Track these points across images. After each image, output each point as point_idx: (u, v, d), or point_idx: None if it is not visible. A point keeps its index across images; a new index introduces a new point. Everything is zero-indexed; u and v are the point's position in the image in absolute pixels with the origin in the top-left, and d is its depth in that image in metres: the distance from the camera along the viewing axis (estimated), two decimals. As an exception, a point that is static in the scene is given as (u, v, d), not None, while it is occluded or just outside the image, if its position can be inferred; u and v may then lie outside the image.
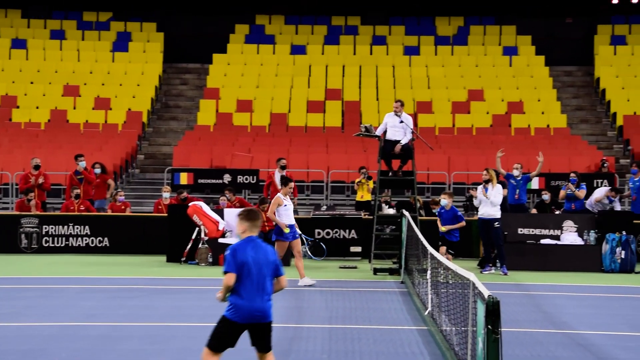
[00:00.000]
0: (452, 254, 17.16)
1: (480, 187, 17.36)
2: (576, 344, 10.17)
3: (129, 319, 11.55)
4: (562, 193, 20.28)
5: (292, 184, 15.47)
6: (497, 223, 16.98)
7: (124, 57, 33.23)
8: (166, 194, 21.14)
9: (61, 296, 13.64)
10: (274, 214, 14.83)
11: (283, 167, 21.38)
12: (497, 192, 16.96)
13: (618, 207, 20.19)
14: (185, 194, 20.94)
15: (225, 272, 6.93)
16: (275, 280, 7.13)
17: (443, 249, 17.02)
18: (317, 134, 29.44)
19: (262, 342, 7.01)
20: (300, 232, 16.42)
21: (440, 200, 17.83)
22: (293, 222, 15.04)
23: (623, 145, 29.28)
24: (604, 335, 10.77)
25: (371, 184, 22.38)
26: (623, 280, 16.75)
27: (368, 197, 22.23)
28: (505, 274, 16.76)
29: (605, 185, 24.03)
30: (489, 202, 16.93)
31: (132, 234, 20.51)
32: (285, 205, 14.86)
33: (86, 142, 27.71)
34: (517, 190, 19.54)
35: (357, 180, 22.42)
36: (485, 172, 17.26)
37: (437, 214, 17.88)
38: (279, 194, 15.06)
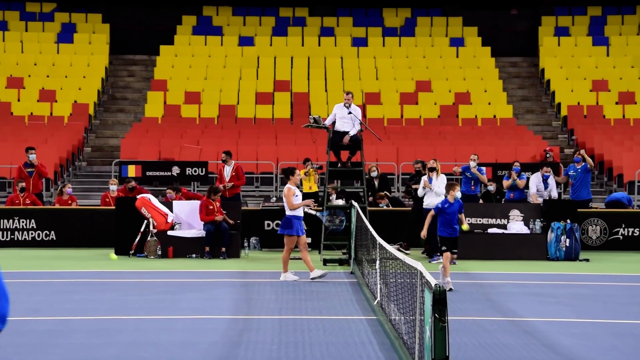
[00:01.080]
0: (456, 253, 13.89)
1: (424, 178, 17.56)
2: (522, 331, 10.33)
3: (75, 312, 11.41)
4: (505, 183, 20.56)
5: (298, 172, 14.79)
6: None
7: (69, 49, 32.75)
8: (113, 187, 20.92)
9: (6, 291, 13.40)
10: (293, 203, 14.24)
11: (225, 161, 21.05)
12: (440, 183, 17.16)
13: (555, 192, 20.43)
14: (133, 183, 20.77)
15: None
16: None
17: (448, 255, 13.46)
18: (266, 125, 29.38)
19: None
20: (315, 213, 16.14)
21: (449, 194, 13.72)
22: (302, 214, 14.52)
23: (567, 135, 29.77)
24: (549, 322, 10.96)
25: (316, 174, 22.36)
26: (567, 267, 17.05)
27: (315, 188, 22.25)
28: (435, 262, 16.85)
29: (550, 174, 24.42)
30: (433, 193, 17.14)
31: (79, 227, 20.25)
32: (297, 195, 14.41)
33: (31, 134, 27.27)
34: (472, 182, 19.95)
35: (303, 171, 22.41)
36: (432, 162, 17.48)
37: (436, 209, 13.84)
38: (289, 185, 14.42)
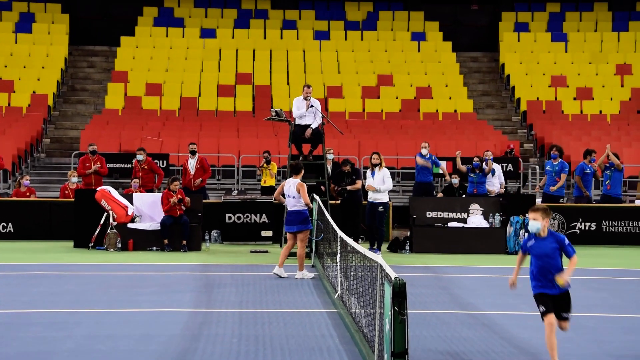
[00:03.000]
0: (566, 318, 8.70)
1: (368, 172, 17.86)
2: (481, 324, 10.45)
3: (33, 305, 11.31)
4: (459, 164, 21.06)
5: (302, 170, 14.37)
6: (381, 207, 17.65)
7: (28, 39, 32.33)
8: (74, 179, 20.72)
9: (-38, 284, 13.25)
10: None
11: (193, 153, 21.25)
12: (383, 177, 17.51)
13: (502, 180, 20.92)
14: (95, 147, 21.17)
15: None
16: None
17: (549, 321, 8.45)
18: (227, 118, 29.28)
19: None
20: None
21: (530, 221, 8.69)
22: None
23: (527, 130, 30.09)
24: (506, 315, 11.10)
25: (274, 168, 22.38)
26: (526, 262, 17.19)
27: (271, 182, 22.18)
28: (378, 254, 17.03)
29: (510, 170, 24.77)
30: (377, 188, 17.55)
31: (37, 219, 20.03)
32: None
33: (-12, 125, 26.89)
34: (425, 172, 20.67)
35: (259, 165, 22.42)
36: (375, 157, 17.77)
37: (523, 249, 8.88)
38: (299, 180, 14.07)
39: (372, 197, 17.77)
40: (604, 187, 21.78)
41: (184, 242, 18.02)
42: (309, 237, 14.54)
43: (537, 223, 8.38)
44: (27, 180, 21.08)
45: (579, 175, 21.02)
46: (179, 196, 18.00)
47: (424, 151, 20.67)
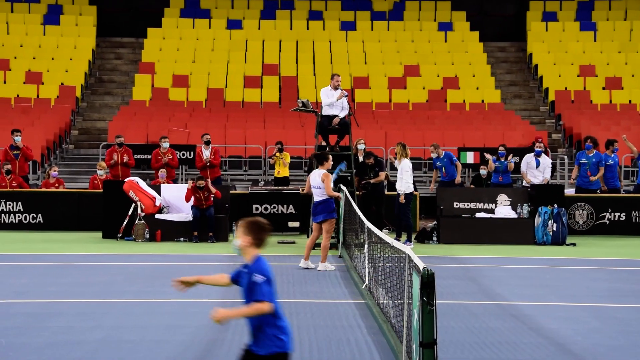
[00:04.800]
0: None
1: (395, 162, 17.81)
2: (509, 314, 10.39)
3: (62, 295, 11.39)
4: (491, 165, 20.75)
5: (330, 158, 14.25)
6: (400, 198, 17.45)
7: (56, 31, 32.53)
8: (101, 172, 20.85)
9: (-7, 274, 13.37)
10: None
11: (207, 143, 21.44)
12: (402, 169, 17.35)
13: (549, 173, 20.59)
14: (122, 139, 21.43)
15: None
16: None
17: None
18: (254, 109, 29.31)
19: None
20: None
21: None
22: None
23: (555, 120, 29.83)
24: (535, 306, 11.02)
25: (287, 158, 22.22)
26: (554, 252, 17.12)
27: (285, 172, 22.05)
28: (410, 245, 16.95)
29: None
30: (401, 177, 17.38)
31: (66, 210, 20.18)
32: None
33: (17, 117, 27.11)
34: (444, 169, 20.48)
35: (272, 154, 22.23)
36: (392, 149, 17.67)
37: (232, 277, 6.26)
38: (325, 170, 13.96)
39: (399, 188, 17.56)
40: (638, 177, 21.58)
41: (211, 233, 18.09)
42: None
43: (236, 241, 5.83)
44: (55, 171, 21.24)
45: (602, 167, 20.74)
46: (202, 183, 17.98)
47: (434, 155, 20.40)
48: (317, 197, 13.98)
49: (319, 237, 14.19)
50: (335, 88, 17.65)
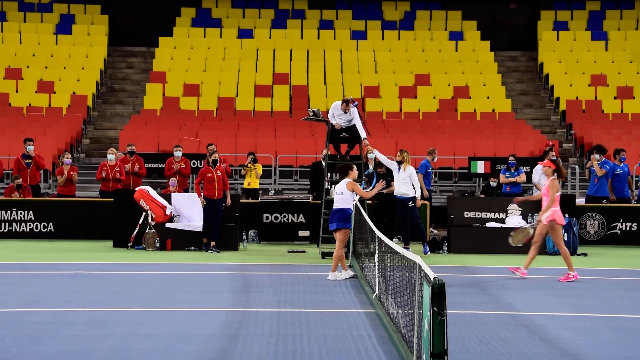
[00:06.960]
0: None
1: (395, 166, 17.73)
2: (520, 325, 10.34)
3: (73, 304, 11.41)
4: (502, 177, 20.67)
5: (355, 168, 14.11)
6: (411, 202, 17.41)
7: (68, 40, 32.70)
8: (111, 156, 20.93)
9: (3, 282, 13.41)
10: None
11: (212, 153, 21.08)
12: (410, 175, 17.37)
13: None
14: (133, 147, 21.36)
15: None
16: None
17: None
18: (264, 118, 29.37)
19: None
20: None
21: None
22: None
23: (566, 130, 29.78)
24: (547, 316, 10.97)
25: (259, 169, 21.99)
26: (566, 262, 17.01)
27: (255, 184, 21.89)
28: (407, 248, 16.89)
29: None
30: (404, 182, 17.32)
31: (77, 219, 20.24)
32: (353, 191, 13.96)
33: (29, 126, 27.26)
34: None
35: (245, 164, 21.93)
36: (398, 154, 17.65)
37: None
38: (350, 180, 13.78)
39: (398, 192, 17.48)
40: None
41: (213, 243, 17.79)
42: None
43: None
44: (68, 158, 21.20)
45: (610, 178, 20.65)
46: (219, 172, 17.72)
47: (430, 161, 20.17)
48: (337, 204, 13.89)
49: (342, 245, 13.92)
50: (345, 112, 17.47)
